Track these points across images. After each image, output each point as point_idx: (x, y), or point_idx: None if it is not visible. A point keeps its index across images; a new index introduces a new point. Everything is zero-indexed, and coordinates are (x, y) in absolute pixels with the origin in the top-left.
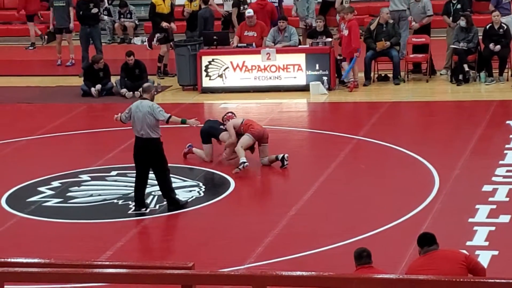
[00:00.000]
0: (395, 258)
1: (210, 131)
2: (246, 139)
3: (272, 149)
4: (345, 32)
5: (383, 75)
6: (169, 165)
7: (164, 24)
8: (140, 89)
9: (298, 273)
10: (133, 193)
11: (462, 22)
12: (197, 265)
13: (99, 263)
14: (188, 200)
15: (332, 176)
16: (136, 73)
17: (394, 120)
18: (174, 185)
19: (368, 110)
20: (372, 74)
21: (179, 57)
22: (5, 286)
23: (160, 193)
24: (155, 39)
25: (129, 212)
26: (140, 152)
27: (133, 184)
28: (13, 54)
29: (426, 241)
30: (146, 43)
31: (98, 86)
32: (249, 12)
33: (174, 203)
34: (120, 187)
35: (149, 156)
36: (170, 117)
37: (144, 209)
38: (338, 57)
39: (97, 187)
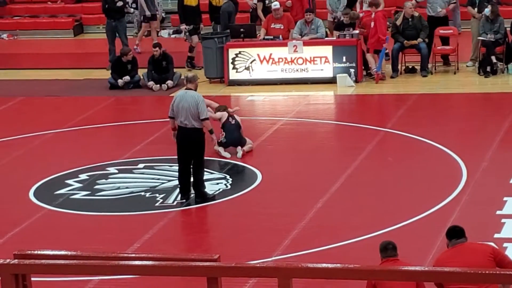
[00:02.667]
0: (422, 250)
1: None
2: None
3: (298, 141)
4: (371, 24)
5: (410, 67)
6: None
7: (182, 26)
8: (184, 79)
9: (324, 265)
10: (160, 186)
11: (487, 10)
12: (224, 258)
13: (125, 255)
14: (215, 194)
15: (359, 168)
16: (163, 65)
17: (421, 112)
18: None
19: (395, 102)
20: (399, 66)
21: (206, 50)
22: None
23: None
24: (183, 32)
25: (156, 204)
26: (183, 142)
27: (160, 177)
28: (42, 47)
29: (455, 234)
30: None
31: (127, 78)
32: (275, 4)
33: (201, 196)
34: (147, 179)
35: (191, 146)
36: (207, 118)
37: (185, 199)
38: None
39: (124, 179)
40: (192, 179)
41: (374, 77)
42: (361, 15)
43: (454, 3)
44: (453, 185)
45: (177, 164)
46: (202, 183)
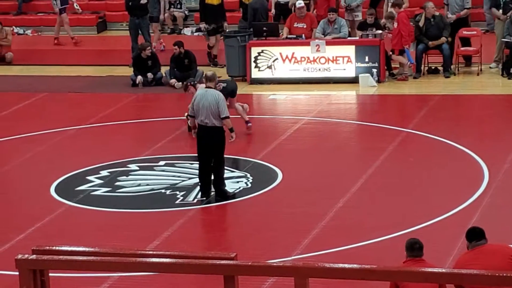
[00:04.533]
0: (443, 252)
1: None
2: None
3: (320, 141)
4: (395, 25)
5: (433, 67)
6: None
7: (202, 25)
8: (203, 78)
9: (341, 265)
10: (181, 183)
11: None
12: (243, 257)
13: (143, 252)
14: (235, 192)
15: (380, 168)
16: (185, 63)
17: (443, 113)
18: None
19: (418, 103)
20: (422, 67)
21: (228, 48)
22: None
23: None
24: (203, 31)
25: (177, 202)
26: (204, 140)
27: (181, 174)
28: (65, 44)
29: (475, 235)
30: (197, 34)
31: (150, 75)
32: (299, 3)
33: (221, 194)
34: (168, 177)
35: (211, 144)
36: (228, 117)
37: (206, 197)
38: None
39: (145, 176)
40: (212, 177)
41: (397, 77)
42: (395, 14)
43: (468, 8)
44: (475, 187)
45: (198, 162)
46: (222, 181)
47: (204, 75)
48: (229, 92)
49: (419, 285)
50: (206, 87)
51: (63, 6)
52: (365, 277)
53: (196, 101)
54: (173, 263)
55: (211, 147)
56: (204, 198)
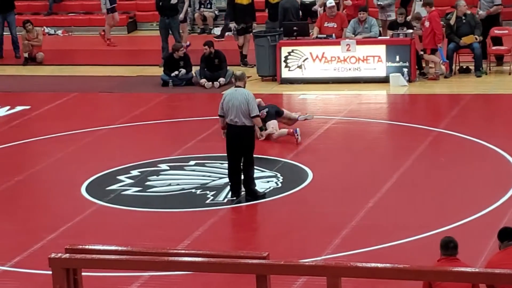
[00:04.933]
0: (474, 252)
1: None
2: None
3: (350, 140)
4: (426, 24)
5: (464, 67)
6: None
7: (232, 25)
8: (233, 77)
9: (373, 264)
10: (211, 183)
11: None
12: (274, 256)
13: (175, 251)
14: (266, 192)
15: (411, 168)
16: (215, 63)
17: (475, 112)
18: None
19: (449, 102)
20: (453, 66)
21: (258, 48)
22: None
23: None
24: (232, 31)
25: (207, 201)
26: (233, 140)
27: (211, 174)
28: (96, 44)
29: (507, 235)
30: (228, 34)
31: (183, 71)
32: (330, 2)
33: (251, 194)
34: (198, 176)
35: (241, 144)
36: (258, 116)
37: (236, 197)
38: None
39: (175, 176)
40: (242, 177)
41: (428, 77)
42: (423, 15)
43: (497, 5)
44: (506, 187)
45: (227, 162)
46: (252, 181)
47: (233, 75)
48: (276, 113)
49: (452, 285)
50: (235, 87)
51: (112, 6)
52: (398, 277)
53: (225, 100)
54: (205, 262)
55: (240, 147)
56: (234, 198)
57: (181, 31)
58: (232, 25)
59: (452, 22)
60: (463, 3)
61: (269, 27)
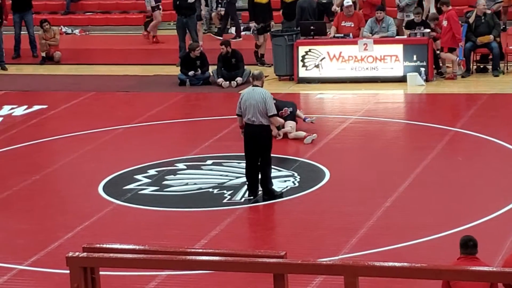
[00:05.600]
0: (491, 251)
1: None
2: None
3: (367, 140)
4: (444, 23)
5: (482, 66)
6: None
7: (252, 24)
8: (250, 77)
9: (390, 263)
10: (228, 182)
11: None
12: (291, 255)
13: (192, 250)
14: (283, 191)
15: (428, 168)
16: (232, 62)
17: (492, 112)
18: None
19: (466, 101)
20: (471, 66)
21: (276, 47)
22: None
23: None
24: (251, 30)
25: (224, 201)
26: (251, 139)
27: (228, 173)
28: (113, 43)
29: None
30: (244, 33)
31: (198, 72)
32: (347, 2)
33: (269, 193)
34: (215, 176)
35: (258, 143)
36: (276, 115)
37: (253, 197)
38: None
39: (192, 175)
40: (260, 176)
41: (445, 76)
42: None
43: (498, 2)
44: None
45: (245, 161)
46: (269, 180)
47: (251, 74)
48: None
49: (470, 284)
50: (253, 86)
51: (156, 4)
52: (416, 276)
53: (243, 99)
54: (223, 261)
55: (258, 146)
56: (252, 197)
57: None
58: (252, 24)
59: (471, 20)
60: (482, 2)
61: (286, 27)
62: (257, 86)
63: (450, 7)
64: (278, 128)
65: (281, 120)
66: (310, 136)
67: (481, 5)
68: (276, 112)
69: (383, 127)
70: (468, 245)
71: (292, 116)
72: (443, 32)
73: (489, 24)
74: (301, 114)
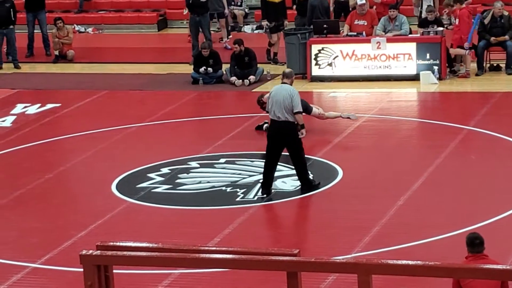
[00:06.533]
0: (504, 249)
1: None
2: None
3: (380, 138)
4: (456, 21)
5: (495, 65)
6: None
7: (264, 23)
8: (282, 74)
9: (404, 261)
10: (241, 181)
11: None
12: (304, 254)
13: (205, 248)
14: (318, 183)
15: (441, 166)
16: (245, 61)
17: (506, 110)
18: (282, 173)
19: (480, 100)
20: (484, 64)
21: (289, 46)
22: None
23: None
24: (264, 29)
25: (237, 199)
26: (275, 135)
27: (241, 172)
28: (126, 42)
29: None
30: (257, 31)
31: (210, 69)
32: (360, 0)
33: (307, 183)
34: (228, 174)
35: (283, 139)
36: (300, 112)
37: (266, 195)
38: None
39: (205, 174)
40: (296, 170)
41: (458, 75)
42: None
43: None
44: None
45: (263, 159)
46: (306, 171)
47: (282, 72)
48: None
49: (481, 282)
50: (282, 83)
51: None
52: (429, 274)
53: (271, 95)
54: (236, 259)
55: (282, 143)
56: (265, 196)
57: (218, 28)
58: (264, 23)
59: (486, 21)
60: (499, 5)
61: (298, 23)
62: (286, 83)
63: (464, 5)
64: (302, 126)
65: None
66: (348, 114)
67: (496, 8)
68: (302, 110)
69: (396, 126)
70: (475, 243)
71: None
72: (454, 29)
73: (504, 26)
74: (331, 113)
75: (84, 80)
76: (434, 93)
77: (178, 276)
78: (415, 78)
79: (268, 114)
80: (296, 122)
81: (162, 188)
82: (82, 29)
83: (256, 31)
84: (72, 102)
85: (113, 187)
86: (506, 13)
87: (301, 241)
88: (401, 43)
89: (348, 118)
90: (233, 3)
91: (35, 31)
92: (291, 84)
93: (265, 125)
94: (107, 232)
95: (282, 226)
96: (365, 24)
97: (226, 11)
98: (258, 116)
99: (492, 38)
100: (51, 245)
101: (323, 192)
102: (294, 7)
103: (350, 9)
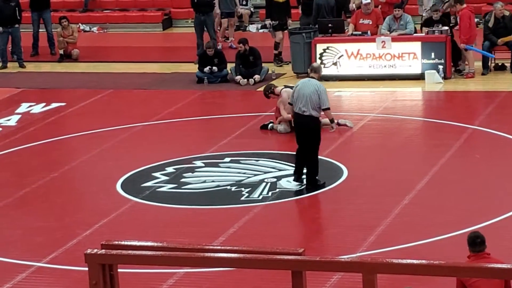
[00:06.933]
0: (509, 248)
1: None
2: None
3: (385, 138)
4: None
5: (500, 64)
6: (282, 152)
7: (267, 21)
8: (308, 69)
9: (409, 261)
10: (246, 180)
11: None
12: (309, 253)
13: (210, 247)
14: (323, 183)
15: (446, 165)
16: (250, 60)
17: (510, 109)
18: (287, 172)
19: (484, 99)
20: (489, 63)
21: (293, 45)
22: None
23: (272, 180)
24: (268, 27)
25: (242, 198)
26: (299, 128)
27: (246, 171)
28: (131, 41)
29: None
30: (262, 31)
31: (214, 68)
32: None
33: (312, 183)
34: (233, 173)
35: (305, 133)
36: (329, 108)
37: (298, 185)
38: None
39: (210, 173)
40: (306, 166)
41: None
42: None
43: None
44: None
45: (267, 158)
46: (315, 171)
47: (310, 65)
48: None
49: (485, 282)
50: (309, 77)
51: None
52: (433, 273)
53: (297, 88)
54: (241, 258)
55: (305, 136)
56: (298, 183)
57: (225, 26)
58: (268, 21)
59: (490, 24)
60: (500, 6)
61: (303, 23)
62: (313, 78)
63: (464, 5)
64: (332, 121)
65: (331, 115)
66: (344, 121)
67: (497, 9)
68: (329, 106)
69: (401, 125)
70: (476, 242)
71: None
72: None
73: (508, 26)
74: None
75: (89, 79)
76: (439, 92)
77: (183, 275)
78: (420, 77)
79: (272, 114)
80: (317, 117)
81: (167, 187)
82: (87, 28)
83: (261, 30)
84: (77, 101)
85: (118, 186)
86: (507, 13)
87: (306, 240)
88: (406, 42)
89: (345, 125)
90: (239, 2)
91: (40, 30)
92: (318, 79)
93: (270, 124)
94: (112, 231)
95: (287, 225)
96: (370, 23)
97: (240, 10)
98: (263, 115)
99: (499, 40)
100: (56, 244)
101: (328, 191)
102: (300, 7)
103: (355, 8)
